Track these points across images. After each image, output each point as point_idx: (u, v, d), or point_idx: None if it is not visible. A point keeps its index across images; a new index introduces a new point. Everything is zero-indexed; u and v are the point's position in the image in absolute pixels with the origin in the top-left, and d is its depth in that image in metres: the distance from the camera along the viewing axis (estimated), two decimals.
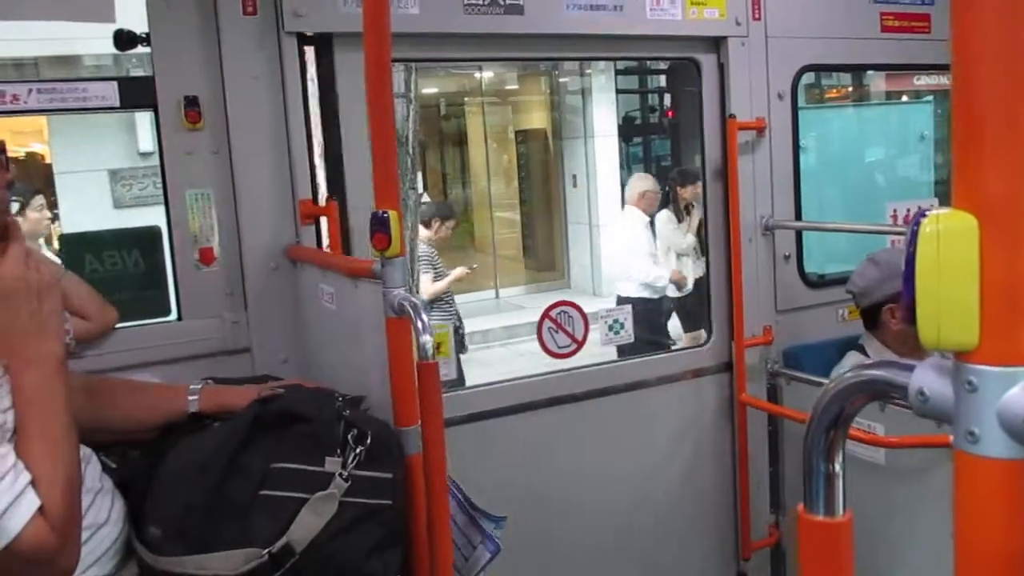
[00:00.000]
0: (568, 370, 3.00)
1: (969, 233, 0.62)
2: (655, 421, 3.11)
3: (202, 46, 2.42)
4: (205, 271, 2.49)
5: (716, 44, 3.08)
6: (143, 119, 8.82)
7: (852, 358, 2.88)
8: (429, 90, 12.37)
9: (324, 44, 2.58)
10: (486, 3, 2.63)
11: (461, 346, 6.05)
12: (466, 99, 13.43)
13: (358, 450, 1.60)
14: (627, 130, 13.13)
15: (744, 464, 3.19)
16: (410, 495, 1.74)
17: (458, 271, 6.11)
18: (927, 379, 0.69)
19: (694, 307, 6.35)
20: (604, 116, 12.17)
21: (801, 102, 3.33)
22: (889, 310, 2.77)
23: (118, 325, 2.41)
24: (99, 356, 2.35)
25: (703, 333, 3.36)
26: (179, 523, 1.49)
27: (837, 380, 0.81)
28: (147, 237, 2.61)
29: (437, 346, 2.67)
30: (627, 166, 13.39)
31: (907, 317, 0.66)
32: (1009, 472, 0.64)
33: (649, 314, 6.15)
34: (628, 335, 3.16)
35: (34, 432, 1.26)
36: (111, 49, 2.40)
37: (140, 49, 2.42)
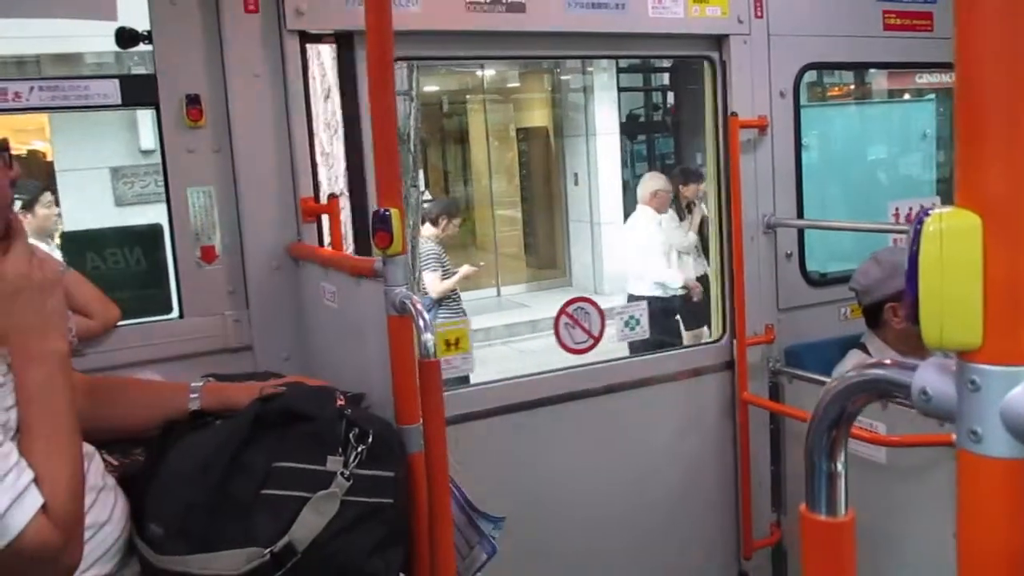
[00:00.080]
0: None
1: (972, 232, 0.62)
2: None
3: (204, 44, 2.42)
4: (207, 269, 2.50)
5: (718, 42, 3.08)
6: (145, 117, 8.81)
7: (854, 356, 2.88)
8: (431, 88, 12.38)
9: (345, 42, 2.59)
10: (488, 1, 2.63)
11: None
12: (468, 97, 13.43)
13: (360, 449, 1.59)
14: (630, 128, 13.13)
15: (745, 463, 3.19)
16: (412, 494, 1.74)
17: (465, 269, 6.11)
18: (930, 378, 0.69)
19: (695, 306, 6.34)
20: (606, 114, 12.17)
21: (803, 100, 3.33)
22: (891, 308, 2.77)
23: (120, 323, 2.41)
24: (101, 354, 2.35)
25: (704, 331, 3.36)
26: (181, 522, 1.49)
27: (839, 379, 0.81)
28: (149, 235, 2.61)
29: (456, 341, 2.74)
30: (631, 164, 13.40)
31: (910, 316, 0.66)
32: (1012, 472, 0.64)
33: (661, 312, 6.15)
34: (644, 331, 3.18)
35: (37, 430, 1.26)
36: (113, 47, 2.40)
37: (142, 47, 2.43)
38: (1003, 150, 0.62)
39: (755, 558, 3.25)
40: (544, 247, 13.44)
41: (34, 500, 1.19)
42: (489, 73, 13.00)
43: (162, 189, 2.51)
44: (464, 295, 6.44)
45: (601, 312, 3.06)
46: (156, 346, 2.44)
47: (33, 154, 10.19)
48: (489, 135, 13.38)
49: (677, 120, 13.32)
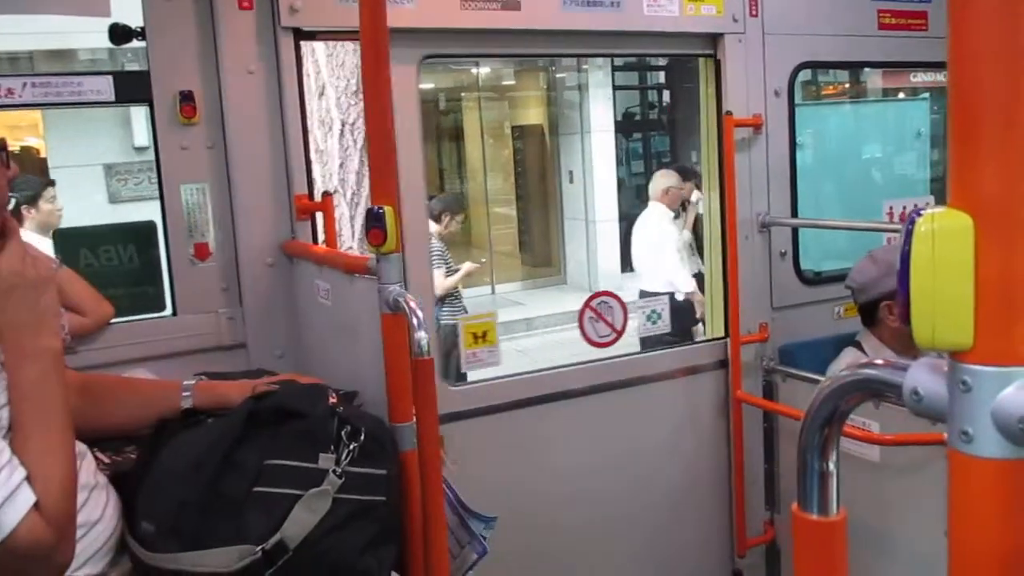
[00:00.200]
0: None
1: (964, 232, 0.62)
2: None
3: (198, 41, 2.41)
4: (200, 266, 2.49)
5: (713, 41, 3.08)
6: (139, 113, 8.80)
7: (849, 355, 2.89)
8: (426, 85, 12.36)
9: None
10: None
11: None
12: (463, 94, 13.42)
13: (352, 446, 1.59)
14: (625, 126, 13.13)
15: (739, 461, 3.19)
16: (405, 491, 1.74)
17: (468, 266, 6.10)
18: (921, 378, 0.69)
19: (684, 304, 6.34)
20: (601, 112, 12.17)
21: (798, 99, 3.33)
22: (887, 306, 2.78)
23: (113, 320, 2.41)
24: (94, 351, 2.35)
25: (699, 328, 3.37)
26: (173, 519, 1.49)
27: (831, 379, 0.81)
28: (142, 232, 2.60)
29: (484, 334, 2.78)
30: (626, 162, 13.40)
31: (903, 316, 0.66)
32: (1003, 472, 0.64)
33: (673, 309, 6.14)
34: (665, 325, 3.22)
35: (30, 428, 1.26)
36: (106, 43, 2.39)
37: (135, 43, 2.42)
38: (996, 151, 0.62)
39: (749, 556, 3.26)
40: (539, 245, 13.44)
41: (27, 498, 1.19)
42: (484, 71, 13.00)
43: (156, 186, 2.50)
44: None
45: (624, 306, 3.11)
46: (149, 343, 2.43)
47: (27, 151, 10.16)
48: (484, 133, 13.37)
49: (672, 118, 13.34)
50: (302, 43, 2.52)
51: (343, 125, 4.11)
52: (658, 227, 6.44)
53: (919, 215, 0.64)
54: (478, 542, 1.93)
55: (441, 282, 5.91)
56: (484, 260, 9.75)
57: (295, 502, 1.52)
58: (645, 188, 13.05)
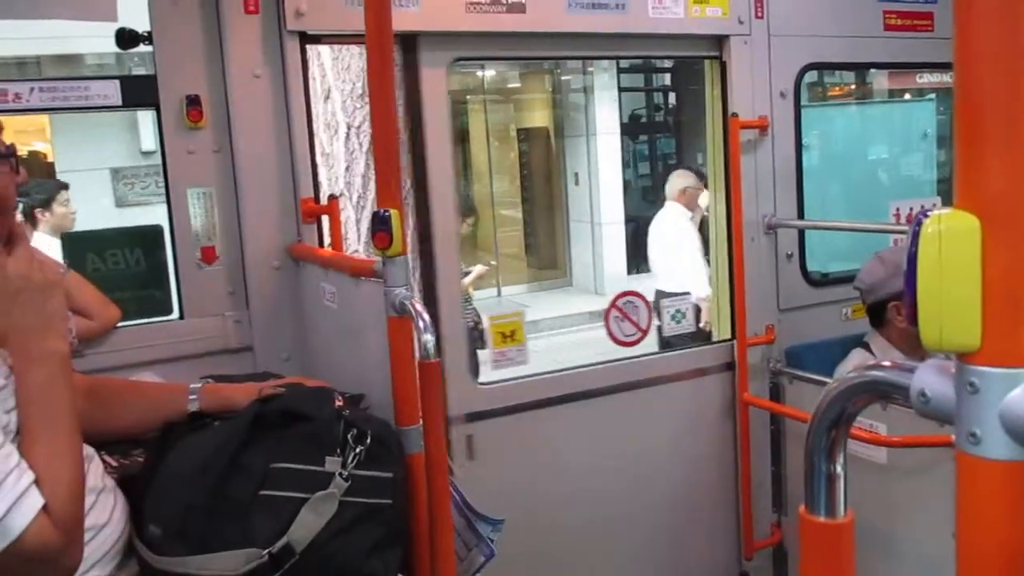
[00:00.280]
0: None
1: (971, 233, 0.62)
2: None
3: (204, 45, 2.42)
4: (207, 270, 2.50)
5: (719, 43, 3.08)
6: (145, 118, 8.82)
7: (857, 356, 2.88)
8: None
9: (408, 43, 2.60)
10: (488, 2, 2.63)
11: (481, 343, 6.04)
12: (468, 97, 13.41)
13: (358, 450, 1.59)
14: (631, 128, 13.11)
15: (746, 463, 3.18)
16: (411, 494, 1.74)
17: (479, 268, 6.08)
18: (929, 380, 0.69)
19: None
20: (606, 114, 12.16)
21: (804, 100, 3.33)
22: (895, 307, 2.77)
23: (120, 324, 2.41)
24: (101, 355, 2.35)
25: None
26: (180, 523, 1.49)
27: (839, 381, 0.81)
28: (149, 236, 2.61)
29: (512, 333, 2.83)
30: (633, 164, 13.38)
31: (910, 318, 0.66)
32: (1011, 473, 0.64)
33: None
34: (690, 324, 3.23)
35: (38, 431, 1.26)
36: (113, 48, 2.40)
37: (142, 48, 2.43)
38: (1002, 152, 0.62)
39: (756, 558, 3.25)
40: (545, 247, 13.43)
41: (35, 502, 1.19)
42: (489, 73, 12.99)
43: (162, 190, 2.51)
44: None
45: (648, 305, 3.16)
46: (156, 347, 2.44)
47: (34, 155, 10.20)
48: (490, 135, 13.37)
49: (678, 120, 13.33)
50: (308, 47, 2.53)
51: (349, 128, 4.11)
52: (675, 226, 6.43)
53: (926, 216, 0.64)
54: (485, 544, 1.93)
55: None
56: (494, 263, 9.73)
57: (301, 505, 1.52)
58: (651, 190, 13.10)
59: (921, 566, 2.55)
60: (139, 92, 2.46)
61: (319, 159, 2.69)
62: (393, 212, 1.74)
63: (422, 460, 1.77)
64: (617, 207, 12.18)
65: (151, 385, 2.02)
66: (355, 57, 4.05)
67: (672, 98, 13.78)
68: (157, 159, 2.54)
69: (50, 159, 9.81)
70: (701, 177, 6.94)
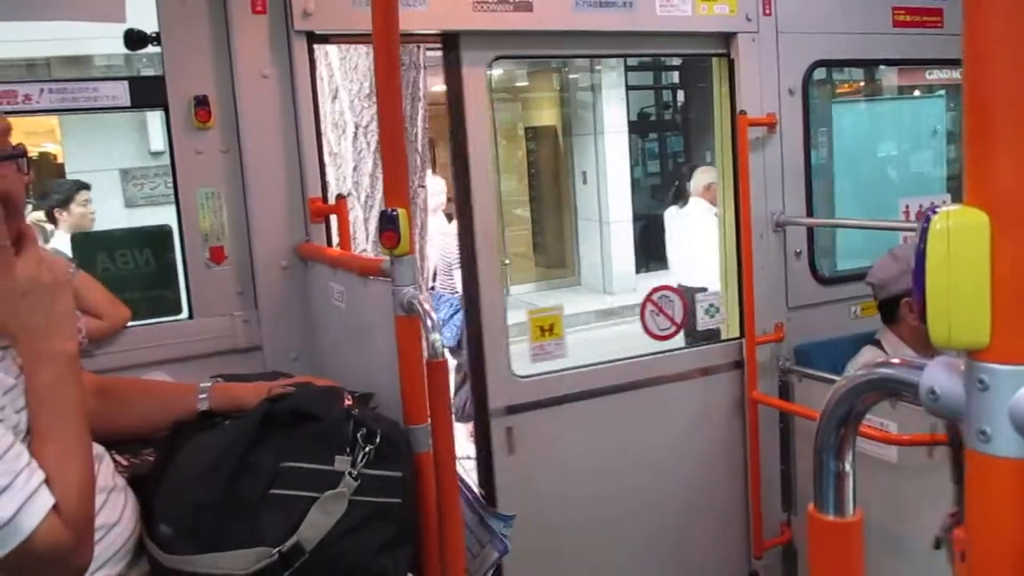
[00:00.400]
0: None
1: (980, 230, 0.62)
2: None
3: (212, 45, 2.42)
4: (216, 269, 2.50)
5: (726, 40, 3.07)
6: (154, 118, 8.85)
7: (868, 353, 2.88)
8: (438, 87, 12.37)
9: (450, 42, 2.63)
10: (495, 0, 2.63)
11: None
12: None
13: (367, 449, 1.59)
14: (639, 126, 13.08)
15: (755, 462, 3.18)
16: (420, 493, 1.74)
17: None
18: (938, 378, 0.68)
19: None
20: (614, 112, 12.14)
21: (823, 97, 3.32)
22: (907, 304, 2.76)
23: (130, 324, 2.42)
24: (111, 354, 2.36)
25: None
26: (190, 522, 1.49)
27: (847, 379, 0.81)
28: (158, 236, 2.62)
29: (551, 327, 2.88)
30: (642, 162, 13.35)
31: (919, 315, 0.66)
32: (1021, 471, 0.63)
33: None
34: (723, 317, 3.25)
35: (47, 431, 1.27)
36: (122, 49, 2.41)
37: (150, 49, 2.43)
38: (1012, 148, 0.62)
39: (765, 557, 3.24)
40: (553, 246, 13.42)
41: (45, 501, 1.20)
42: (497, 72, 12.98)
43: (171, 191, 2.52)
44: None
45: (684, 300, 3.19)
46: (166, 347, 2.44)
47: (44, 156, 10.25)
48: (497, 134, 13.36)
49: (686, 118, 13.29)
50: (315, 46, 2.54)
51: (357, 128, 4.12)
52: (700, 218, 6.45)
53: (935, 213, 0.64)
54: (499, 540, 1.94)
55: None
56: (508, 262, 9.72)
57: (311, 504, 1.52)
58: (659, 189, 13.05)
59: (931, 565, 2.54)
60: (147, 93, 2.47)
61: (327, 159, 2.70)
62: (401, 211, 1.74)
63: (431, 459, 1.77)
64: (625, 205, 12.17)
65: (161, 384, 2.02)
66: (362, 57, 4.06)
67: (680, 96, 13.75)
68: (166, 160, 2.55)
69: (60, 160, 9.85)
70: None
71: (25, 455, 1.21)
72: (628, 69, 12.35)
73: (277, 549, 1.48)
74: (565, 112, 13.07)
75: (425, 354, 1.74)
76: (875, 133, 4.20)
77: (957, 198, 0.65)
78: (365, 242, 4.09)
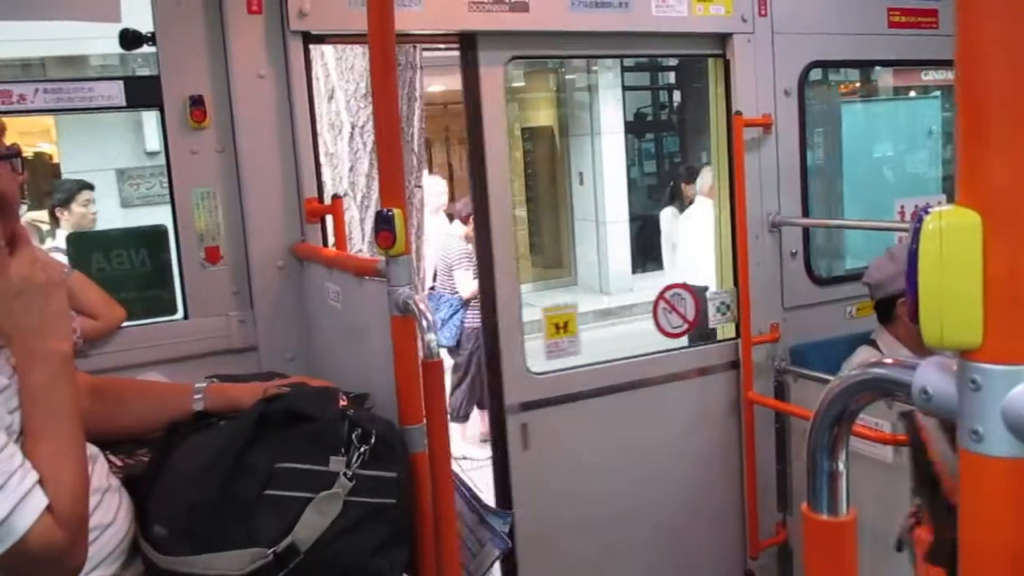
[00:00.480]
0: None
1: (972, 230, 0.62)
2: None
3: (207, 45, 2.42)
4: (211, 270, 2.50)
5: (722, 41, 3.08)
6: (150, 118, 8.83)
7: (864, 353, 2.88)
8: (435, 88, 12.37)
9: (467, 42, 2.65)
10: (491, 0, 2.63)
11: None
12: None
13: (362, 449, 1.59)
14: (636, 127, 13.08)
15: (751, 462, 3.18)
16: (415, 493, 1.74)
17: None
18: (931, 377, 0.68)
19: None
20: (611, 113, 12.15)
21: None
22: (903, 303, 2.76)
23: (125, 324, 2.42)
24: (107, 355, 2.36)
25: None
26: (185, 522, 1.49)
27: (840, 378, 0.81)
28: (154, 236, 2.61)
29: (565, 324, 2.93)
30: (638, 163, 13.35)
31: (911, 315, 0.66)
32: (1013, 471, 0.63)
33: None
34: (733, 316, 3.26)
35: (41, 431, 1.27)
36: (117, 49, 2.41)
37: (146, 48, 2.43)
38: (1004, 148, 0.62)
39: (761, 557, 3.25)
40: (550, 247, 13.42)
41: (39, 501, 1.19)
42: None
43: (167, 191, 2.51)
44: None
45: (696, 298, 3.22)
46: (161, 347, 2.44)
47: (39, 156, 10.23)
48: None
49: (682, 119, 13.30)
50: (311, 47, 2.53)
51: (353, 128, 4.12)
52: (706, 219, 6.47)
53: (927, 213, 0.64)
54: (500, 538, 1.94)
55: (471, 284, 5.90)
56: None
57: (306, 505, 1.52)
58: (656, 189, 13.05)
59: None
60: (143, 93, 2.46)
61: (323, 159, 2.70)
62: (396, 211, 1.74)
63: (426, 459, 1.77)
64: (621, 206, 12.18)
65: (156, 385, 2.02)
66: (358, 57, 4.06)
67: (676, 96, 13.76)
68: (161, 160, 2.54)
69: (56, 160, 9.83)
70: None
71: (19, 456, 1.21)
72: (624, 70, 12.36)
73: (272, 550, 1.48)
74: (561, 113, 13.08)
75: (421, 354, 1.74)
76: (870, 134, 4.21)
77: (952, 199, 0.65)
78: (361, 242, 4.09)
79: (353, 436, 1.61)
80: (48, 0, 2.38)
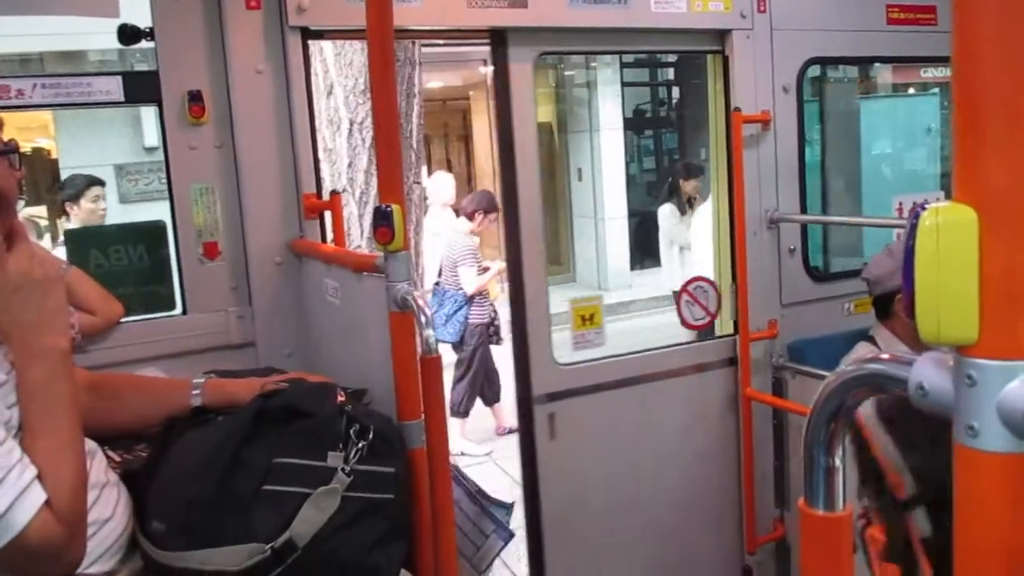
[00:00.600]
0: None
1: (969, 226, 0.62)
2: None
3: (206, 40, 2.42)
4: (210, 265, 2.50)
5: (721, 37, 3.07)
6: (148, 114, 8.81)
7: (862, 349, 2.88)
8: (433, 84, 12.37)
9: (498, 38, 2.67)
10: None
11: (497, 338, 6.07)
12: (470, 92, 13.40)
13: (360, 445, 1.60)
14: (634, 123, 13.08)
15: (749, 458, 3.18)
16: (413, 489, 1.75)
17: (498, 264, 6.10)
18: (927, 373, 0.68)
19: None
20: (610, 109, 12.14)
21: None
22: (901, 299, 2.77)
23: (123, 319, 2.42)
24: (105, 350, 2.36)
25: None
26: (183, 518, 1.49)
27: (837, 374, 0.81)
28: (152, 232, 2.61)
29: (591, 316, 3.02)
30: (637, 159, 13.35)
31: (907, 311, 0.66)
32: (1009, 466, 0.63)
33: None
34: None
35: (39, 427, 1.27)
36: (115, 44, 2.40)
37: (144, 44, 2.43)
38: (1001, 145, 0.62)
39: (758, 553, 3.26)
40: (548, 243, 13.38)
41: (37, 497, 1.20)
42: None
43: (165, 186, 2.51)
44: None
45: (718, 291, 3.25)
46: (159, 342, 2.44)
47: (38, 152, 10.21)
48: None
49: (681, 115, 13.30)
50: (310, 42, 2.53)
51: (351, 124, 4.12)
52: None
53: (923, 209, 0.64)
54: (503, 529, 1.95)
55: (475, 280, 5.90)
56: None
57: (304, 500, 1.52)
58: (655, 185, 13.04)
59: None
60: (141, 88, 2.46)
61: (321, 155, 2.70)
62: (395, 207, 1.74)
63: (424, 455, 1.77)
64: (620, 202, 12.17)
65: (154, 380, 2.02)
66: (357, 53, 4.06)
67: (675, 93, 13.75)
68: (160, 155, 2.54)
69: (54, 156, 9.81)
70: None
71: (17, 451, 1.21)
72: (623, 66, 12.35)
73: (270, 545, 1.48)
74: (561, 109, 13.06)
75: (419, 350, 1.74)
76: (869, 130, 4.21)
77: (951, 195, 0.65)
78: (360, 238, 4.10)
79: (351, 432, 1.61)
80: None
